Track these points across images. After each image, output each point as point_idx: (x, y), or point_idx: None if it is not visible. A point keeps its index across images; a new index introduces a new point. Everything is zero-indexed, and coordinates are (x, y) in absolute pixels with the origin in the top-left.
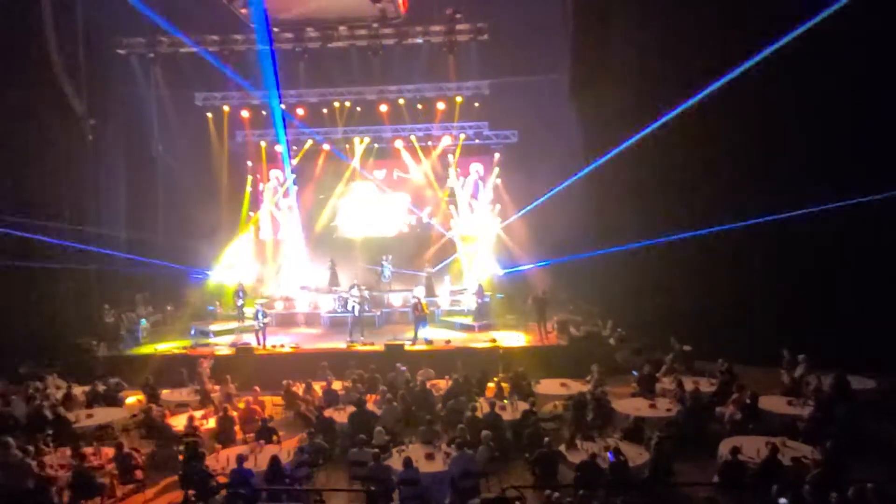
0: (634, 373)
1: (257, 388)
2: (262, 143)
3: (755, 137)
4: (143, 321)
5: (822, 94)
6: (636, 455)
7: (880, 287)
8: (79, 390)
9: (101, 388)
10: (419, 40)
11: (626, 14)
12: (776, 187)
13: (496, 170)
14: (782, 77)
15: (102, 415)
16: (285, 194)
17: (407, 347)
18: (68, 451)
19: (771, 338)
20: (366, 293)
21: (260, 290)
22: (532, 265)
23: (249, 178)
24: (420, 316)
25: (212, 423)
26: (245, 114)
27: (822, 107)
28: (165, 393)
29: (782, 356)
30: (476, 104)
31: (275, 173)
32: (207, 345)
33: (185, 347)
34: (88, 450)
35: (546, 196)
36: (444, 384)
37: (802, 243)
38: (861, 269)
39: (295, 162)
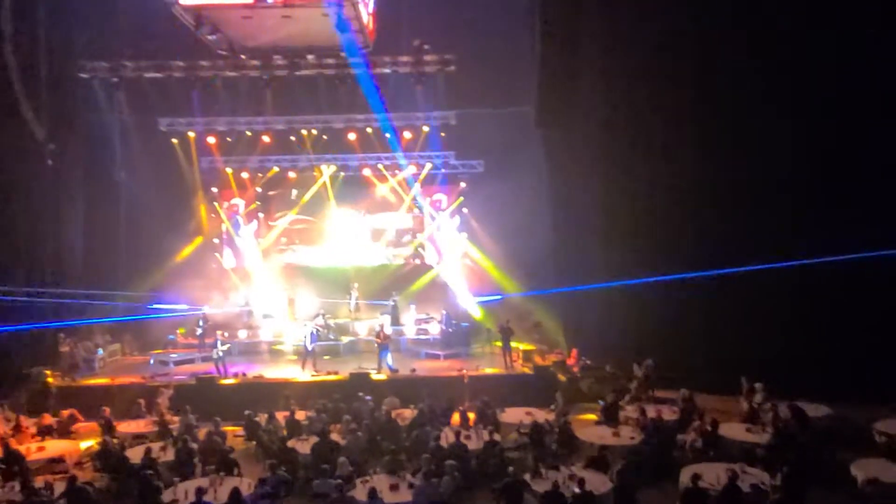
0: (601, 402)
1: (218, 419)
2: (229, 170)
3: (722, 170)
4: (101, 350)
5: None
6: (600, 483)
7: (835, 317)
8: (30, 422)
9: (53, 419)
10: (387, 70)
11: (592, 46)
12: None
13: (461, 199)
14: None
15: (54, 447)
16: (247, 220)
17: (372, 376)
18: (17, 486)
19: (730, 366)
20: (330, 322)
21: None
22: (498, 297)
23: (216, 204)
24: (383, 343)
25: (170, 455)
26: (211, 140)
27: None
28: (122, 425)
29: (741, 384)
30: (443, 134)
31: (236, 200)
32: (167, 375)
33: (143, 377)
34: (39, 484)
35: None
36: (409, 413)
37: (761, 277)
38: (816, 299)
39: (259, 189)
